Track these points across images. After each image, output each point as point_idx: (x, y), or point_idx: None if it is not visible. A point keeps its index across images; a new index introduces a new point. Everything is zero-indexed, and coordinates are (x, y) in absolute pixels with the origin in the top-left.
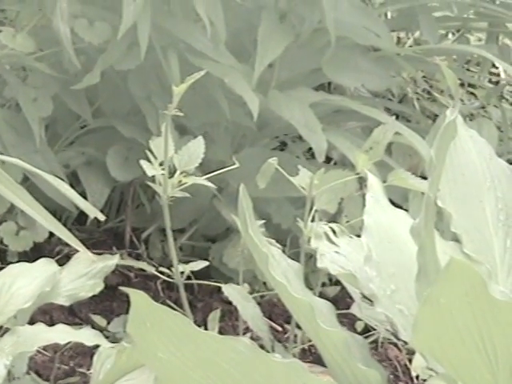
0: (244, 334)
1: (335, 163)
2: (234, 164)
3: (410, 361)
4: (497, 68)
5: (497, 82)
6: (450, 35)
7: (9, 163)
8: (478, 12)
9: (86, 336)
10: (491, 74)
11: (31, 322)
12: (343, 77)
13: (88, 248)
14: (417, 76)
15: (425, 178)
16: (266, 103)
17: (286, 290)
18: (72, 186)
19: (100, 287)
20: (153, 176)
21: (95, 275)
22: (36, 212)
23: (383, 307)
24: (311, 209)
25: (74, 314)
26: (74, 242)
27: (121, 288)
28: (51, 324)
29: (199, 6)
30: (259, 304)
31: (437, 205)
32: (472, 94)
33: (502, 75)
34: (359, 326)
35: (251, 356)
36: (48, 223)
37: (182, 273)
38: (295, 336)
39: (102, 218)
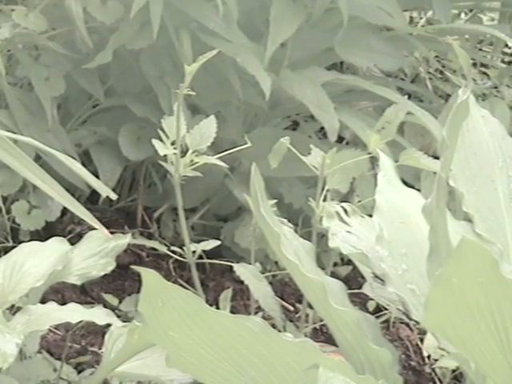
0: (256, 313)
1: (347, 143)
2: (246, 143)
3: (422, 340)
4: (509, 48)
5: (509, 62)
6: (462, 15)
7: (21, 142)
8: None
9: (97, 315)
10: (504, 53)
11: (43, 301)
12: (355, 56)
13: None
14: (429, 56)
15: (437, 157)
16: (278, 83)
17: (298, 270)
18: (84, 165)
19: (112, 266)
20: (165, 155)
21: (107, 254)
22: (51, 188)
23: (395, 287)
24: (323, 188)
25: (86, 293)
26: (89, 218)
27: (133, 267)
28: (63, 303)
29: None
30: (271, 283)
31: (449, 184)
32: (484, 73)
33: None
34: (371, 305)
35: (262, 335)
36: (63, 199)
37: (194, 252)
38: (307, 315)
39: (113, 197)
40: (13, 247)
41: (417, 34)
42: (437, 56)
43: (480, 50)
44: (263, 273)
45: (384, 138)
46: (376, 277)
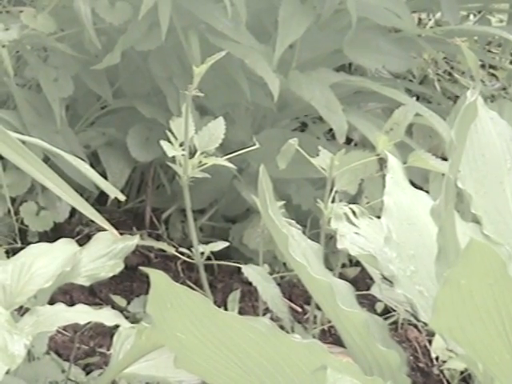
0: (264, 314)
1: (355, 144)
2: (254, 145)
3: (430, 342)
4: None
5: None
6: (471, 16)
7: (29, 143)
8: None
9: (105, 316)
10: None
11: (51, 302)
12: (364, 58)
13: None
14: (438, 57)
15: (445, 159)
16: (287, 84)
17: (306, 271)
18: (92, 166)
19: (120, 267)
20: (173, 156)
21: (115, 255)
22: (60, 189)
23: (403, 288)
24: (331, 190)
25: (94, 294)
26: (99, 219)
27: (141, 268)
28: (71, 304)
29: None
30: (279, 285)
31: (457, 186)
32: (493, 75)
33: None
34: (379, 307)
35: (271, 336)
36: (72, 200)
37: (202, 253)
38: (315, 317)
39: (122, 198)
40: (21, 248)
41: (425, 35)
42: (445, 57)
43: (488, 51)
44: (271, 274)
45: (392, 140)
46: (384, 278)
